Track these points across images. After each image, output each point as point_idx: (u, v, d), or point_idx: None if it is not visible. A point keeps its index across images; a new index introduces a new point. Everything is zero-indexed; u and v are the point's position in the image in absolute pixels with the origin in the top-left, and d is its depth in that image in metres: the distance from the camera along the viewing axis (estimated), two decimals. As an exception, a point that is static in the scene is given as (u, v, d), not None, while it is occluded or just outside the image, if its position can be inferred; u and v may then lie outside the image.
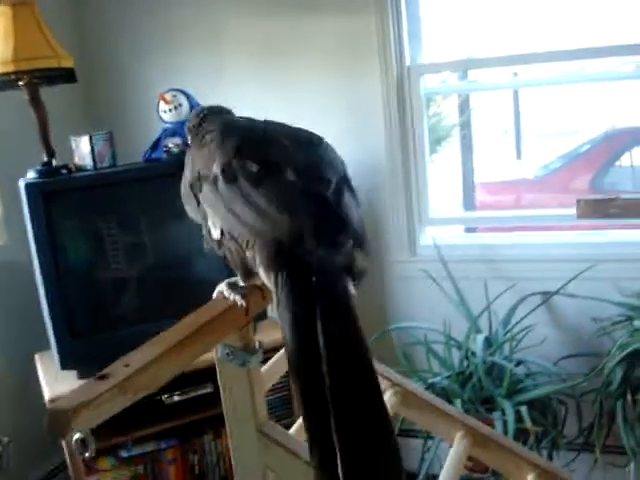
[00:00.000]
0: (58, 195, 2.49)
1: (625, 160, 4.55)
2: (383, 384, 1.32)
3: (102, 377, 0.86)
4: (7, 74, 2.46)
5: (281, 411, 2.66)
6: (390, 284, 3.01)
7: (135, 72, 3.25)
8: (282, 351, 1.23)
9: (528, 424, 2.38)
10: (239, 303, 1.08)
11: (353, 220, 1.03)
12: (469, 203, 4.19)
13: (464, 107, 3.86)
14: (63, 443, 2.43)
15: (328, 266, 0.95)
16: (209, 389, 2.58)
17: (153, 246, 2.65)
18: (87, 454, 1.02)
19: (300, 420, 1.24)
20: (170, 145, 2.60)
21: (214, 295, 1.13)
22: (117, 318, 2.63)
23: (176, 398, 2.61)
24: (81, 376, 2.53)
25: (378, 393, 0.89)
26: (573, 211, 2.50)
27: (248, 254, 1.02)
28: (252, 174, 1.04)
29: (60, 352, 2.52)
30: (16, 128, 2.81)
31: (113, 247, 2.59)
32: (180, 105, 2.63)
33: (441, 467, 1.40)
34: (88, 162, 2.62)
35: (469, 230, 3.37)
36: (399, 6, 2.82)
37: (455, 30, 3.56)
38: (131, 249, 2.62)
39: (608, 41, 2.77)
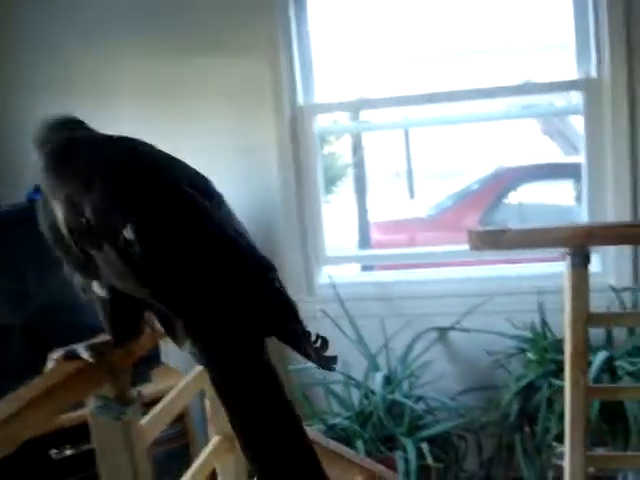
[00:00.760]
0: None
1: (513, 197, 4.72)
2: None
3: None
4: None
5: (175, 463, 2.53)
6: (288, 325, 2.96)
7: (21, 110, 3.12)
8: (167, 398, 1.15)
9: (429, 461, 2.37)
10: (87, 358, 0.97)
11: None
12: (364, 242, 4.23)
13: (357, 147, 3.91)
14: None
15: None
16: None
17: (38, 292, 2.51)
18: None
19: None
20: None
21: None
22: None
23: (68, 452, 2.46)
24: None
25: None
26: (466, 247, 2.52)
27: None
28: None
29: None
30: None
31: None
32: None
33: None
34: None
35: (366, 268, 3.38)
36: (291, 47, 2.83)
37: (347, 71, 3.63)
38: (14, 295, 2.47)
39: (495, 83, 2.88)
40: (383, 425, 2.54)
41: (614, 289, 2.59)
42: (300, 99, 2.89)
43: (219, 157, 2.86)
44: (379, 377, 2.63)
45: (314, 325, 3.05)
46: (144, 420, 1.06)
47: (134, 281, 0.92)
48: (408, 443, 2.43)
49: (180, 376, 1.82)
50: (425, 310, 2.81)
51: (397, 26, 3.51)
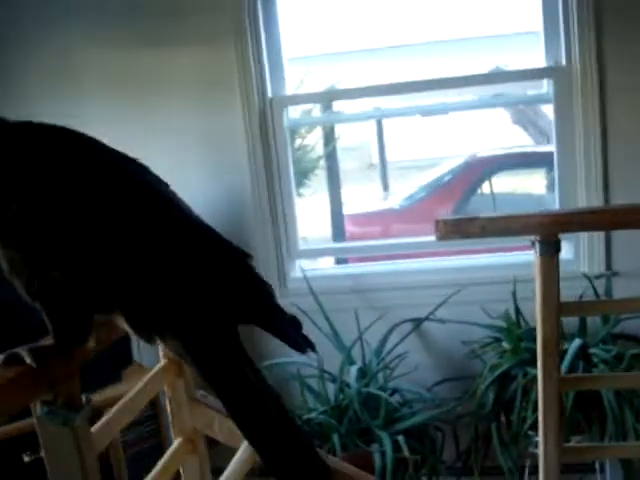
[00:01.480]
0: None
1: (485, 187, 4.71)
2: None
3: None
4: None
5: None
6: (262, 319, 2.93)
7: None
8: (119, 404, 1.10)
9: (406, 453, 2.36)
10: (30, 362, 0.91)
11: None
12: (338, 234, 4.20)
13: (329, 139, 3.88)
14: None
15: None
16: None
17: None
18: None
19: None
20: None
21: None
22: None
23: (41, 454, 2.40)
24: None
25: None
26: (438, 236, 2.54)
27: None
28: None
29: None
30: None
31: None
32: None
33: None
34: None
35: (340, 261, 3.36)
36: (259, 37, 2.79)
37: (318, 60, 3.59)
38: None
39: (466, 71, 2.86)
40: (359, 419, 2.52)
41: (587, 276, 2.60)
42: (269, 91, 2.85)
43: (187, 150, 2.83)
44: (354, 370, 2.61)
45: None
46: (96, 426, 1.01)
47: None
48: (384, 436, 2.42)
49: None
50: (399, 302, 2.80)
51: (367, 15, 3.49)
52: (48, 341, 0.95)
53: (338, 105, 3.20)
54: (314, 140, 4.09)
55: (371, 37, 3.42)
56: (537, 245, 1.46)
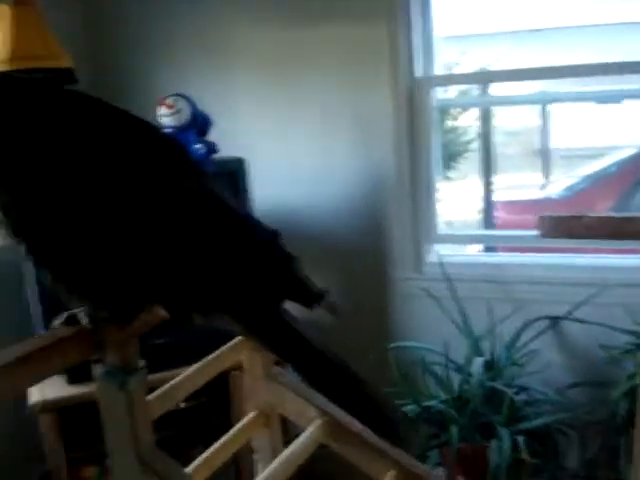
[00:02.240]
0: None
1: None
2: (312, 412, 1.20)
3: None
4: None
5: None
6: (393, 301, 2.92)
7: (139, 75, 3.21)
8: (185, 373, 1.13)
9: (525, 455, 2.27)
10: (85, 324, 0.98)
11: None
12: (488, 221, 4.08)
13: (484, 122, 3.76)
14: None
15: None
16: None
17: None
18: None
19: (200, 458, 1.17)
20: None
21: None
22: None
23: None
24: (71, 381, 2.47)
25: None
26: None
27: None
28: None
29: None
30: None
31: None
32: (180, 110, 2.57)
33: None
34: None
35: (489, 250, 3.23)
36: (410, 16, 2.73)
37: (476, 40, 3.47)
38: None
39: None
40: (480, 412, 2.45)
41: None
42: (418, 70, 2.80)
43: (332, 128, 2.83)
44: (480, 362, 2.53)
45: (417, 303, 2.99)
46: (154, 394, 1.05)
47: None
48: (504, 433, 2.33)
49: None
50: (536, 296, 2.67)
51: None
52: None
53: (498, 88, 3.09)
54: (468, 122, 3.98)
55: (535, 18, 3.25)
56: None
